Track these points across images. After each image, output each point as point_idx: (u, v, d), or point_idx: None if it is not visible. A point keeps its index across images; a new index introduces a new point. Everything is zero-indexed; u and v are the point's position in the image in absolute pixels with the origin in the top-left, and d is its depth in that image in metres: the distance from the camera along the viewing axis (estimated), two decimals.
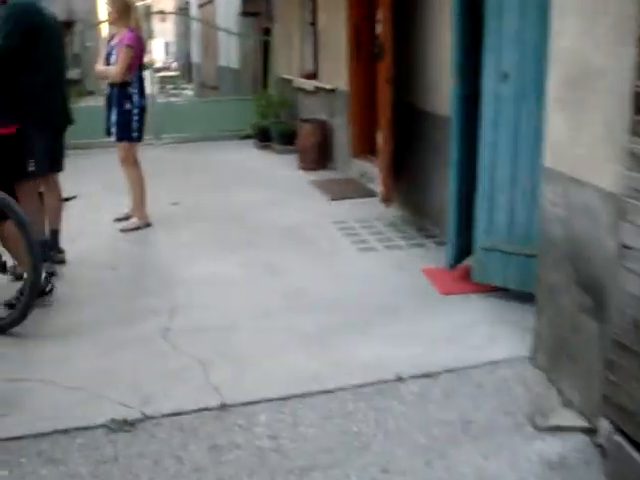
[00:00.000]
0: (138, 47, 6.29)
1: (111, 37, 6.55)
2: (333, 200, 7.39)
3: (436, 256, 5.42)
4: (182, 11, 25.73)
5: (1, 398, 3.58)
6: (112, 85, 6.31)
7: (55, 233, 5.57)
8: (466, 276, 4.87)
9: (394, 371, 3.67)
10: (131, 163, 6.47)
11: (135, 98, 6.32)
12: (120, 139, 6.36)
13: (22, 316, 4.27)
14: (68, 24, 26.23)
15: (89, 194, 7.75)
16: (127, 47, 6.16)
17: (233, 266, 5.40)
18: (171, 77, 28.55)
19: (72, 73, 17.73)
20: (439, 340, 4.06)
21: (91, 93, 16.49)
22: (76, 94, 12.41)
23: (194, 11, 22.33)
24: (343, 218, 6.64)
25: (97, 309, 4.69)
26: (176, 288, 5.00)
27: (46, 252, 5.05)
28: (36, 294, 4.35)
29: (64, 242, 5.71)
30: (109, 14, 6.35)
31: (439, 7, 5.66)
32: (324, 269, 5.32)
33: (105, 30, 17.52)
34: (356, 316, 4.42)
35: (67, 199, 6.85)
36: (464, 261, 4.98)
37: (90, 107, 11.05)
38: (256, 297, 4.79)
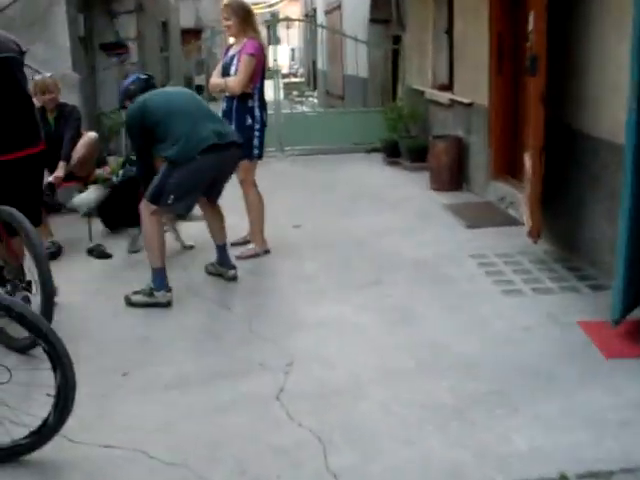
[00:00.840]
0: (260, 56, 5.77)
1: (228, 48, 6.08)
2: (469, 228, 6.65)
3: (593, 304, 4.64)
4: (308, 18, 25.46)
5: (89, 467, 3.11)
6: (231, 98, 5.82)
7: (222, 248, 5.51)
8: (637, 334, 4.08)
9: (554, 467, 2.95)
10: (250, 184, 5.97)
11: (256, 112, 5.82)
12: (242, 157, 5.86)
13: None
14: (197, 31, 26.61)
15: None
16: (249, 56, 5.65)
17: (358, 308, 4.79)
18: (296, 84, 28.36)
19: (198, 79, 17.69)
20: (608, 424, 3.28)
21: (213, 100, 16.37)
22: None
23: (320, 17, 21.97)
24: (482, 251, 5.90)
25: (203, 356, 4.19)
26: (294, 334, 4.44)
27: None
28: (51, 310, 4.21)
29: (174, 269, 5.29)
30: (227, 23, 5.84)
31: (608, 17, 4.86)
32: (461, 317, 4.61)
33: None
34: (501, 383, 3.70)
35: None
36: (633, 314, 4.18)
37: None
38: (384, 352, 4.15)
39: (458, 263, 5.65)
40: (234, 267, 5.49)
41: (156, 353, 4.29)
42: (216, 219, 5.49)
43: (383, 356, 4.09)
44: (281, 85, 12.89)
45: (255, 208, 5.98)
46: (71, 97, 7.80)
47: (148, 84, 5.29)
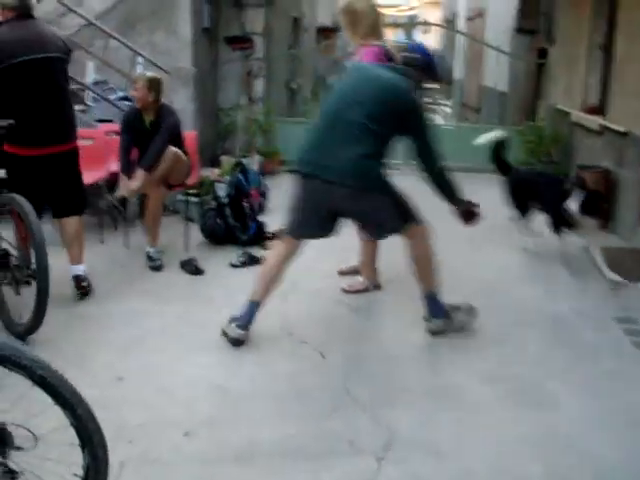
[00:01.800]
0: None
1: (350, 55, 5.29)
2: (614, 280, 5.63)
3: None
4: (448, 23, 24.48)
5: None
6: None
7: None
8: None
9: None
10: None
11: None
12: None
13: (37, 323, 4.18)
14: (332, 30, 26.07)
15: None
16: None
17: (479, 377, 3.94)
18: (429, 89, 27.40)
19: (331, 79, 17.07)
20: None
21: None
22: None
23: (461, 24, 20.99)
24: (630, 313, 4.92)
25: (284, 422, 3.46)
26: (397, 403, 3.65)
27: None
28: (46, 298, 4.13)
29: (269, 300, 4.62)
30: (348, 26, 5.04)
31: None
32: (606, 405, 3.69)
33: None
34: None
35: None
36: None
37: None
38: (505, 445, 3.28)
39: (600, 327, 4.71)
40: (430, 318, 4.53)
41: (229, 408, 3.61)
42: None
43: (503, 451, 3.25)
44: None
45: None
46: (184, 92, 7.31)
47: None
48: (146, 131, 5.78)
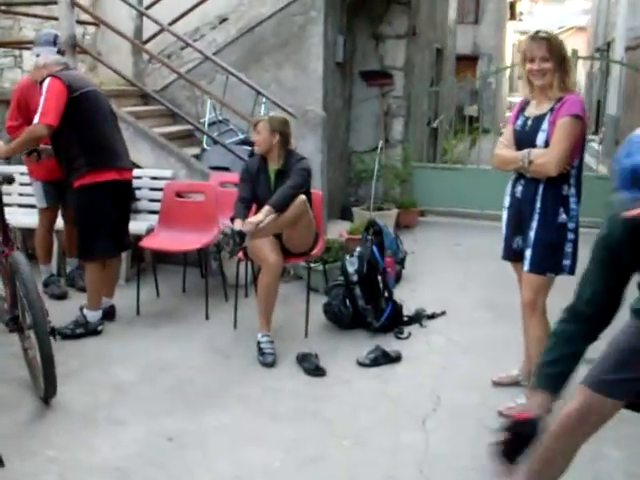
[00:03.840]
0: (586, 120, 3.72)
1: (522, 105, 3.98)
2: None
3: None
4: (600, 53, 22.64)
5: None
6: (534, 181, 3.76)
7: None
8: None
9: None
10: (540, 310, 3.93)
11: (572, 204, 3.73)
12: (539, 269, 3.82)
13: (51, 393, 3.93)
14: (472, 58, 24.77)
15: (454, 309, 5.53)
16: (573, 119, 3.60)
17: None
18: None
19: (469, 110, 15.73)
20: None
21: (486, 131, 14.37)
22: (471, 132, 10.41)
23: (618, 53, 19.19)
24: None
25: None
26: None
27: None
28: (52, 366, 3.82)
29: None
30: (543, 66, 3.79)
31: None
32: None
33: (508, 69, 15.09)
34: None
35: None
36: None
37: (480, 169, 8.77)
38: None
39: None
40: None
41: None
42: None
43: None
44: None
45: (538, 343, 3.91)
46: (313, 139, 6.24)
47: None
48: (271, 182, 4.82)
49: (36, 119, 4.56)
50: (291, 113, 6.22)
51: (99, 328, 4.96)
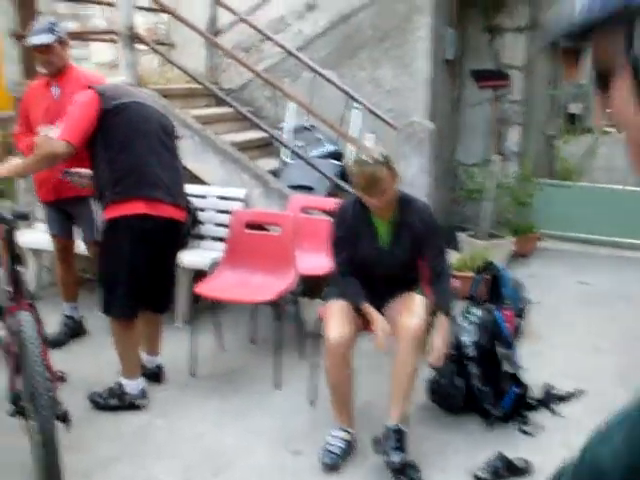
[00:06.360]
0: None
1: None
2: None
3: None
4: None
5: None
6: None
7: None
8: None
9: None
10: None
11: None
12: None
13: None
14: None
15: (592, 384, 4.32)
16: None
17: None
18: None
19: (573, 107, 14.19)
20: None
21: (589, 131, 12.80)
22: (572, 132, 9.04)
23: None
24: None
25: None
26: None
27: None
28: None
29: None
30: None
31: None
32: None
33: None
34: None
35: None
36: None
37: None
38: None
39: None
40: None
41: None
42: None
43: None
44: None
45: None
46: (417, 158, 5.02)
47: None
48: (380, 241, 3.53)
49: (56, 133, 3.56)
50: (390, 123, 5.04)
51: (138, 402, 3.90)
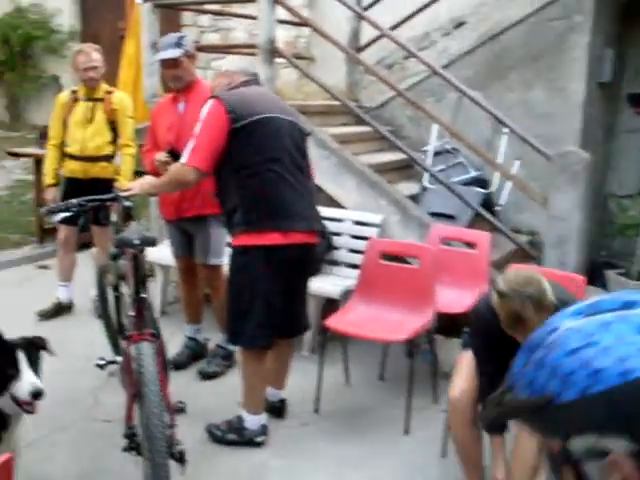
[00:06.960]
0: None
1: None
2: None
3: None
4: None
5: None
6: None
7: None
8: None
9: None
10: None
11: None
12: None
13: None
14: None
15: None
16: None
17: None
18: None
19: None
20: None
21: None
22: None
23: None
24: None
25: None
26: None
27: None
28: None
29: None
30: None
31: None
32: None
33: None
34: None
35: None
36: None
37: None
38: None
39: None
40: None
41: None
42: None
43: None
44: None
45: None
46: (570, 191, 4.59)
47: None
48: None
49: (184, 157, 3.39)
50: (543, 152, 4.65)
51: (258, 439, 3.68)
